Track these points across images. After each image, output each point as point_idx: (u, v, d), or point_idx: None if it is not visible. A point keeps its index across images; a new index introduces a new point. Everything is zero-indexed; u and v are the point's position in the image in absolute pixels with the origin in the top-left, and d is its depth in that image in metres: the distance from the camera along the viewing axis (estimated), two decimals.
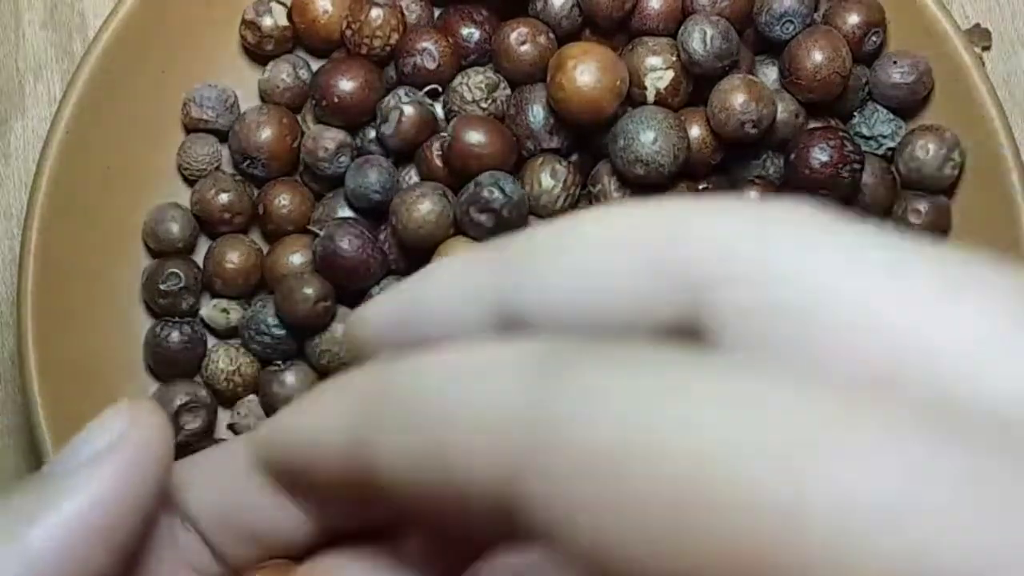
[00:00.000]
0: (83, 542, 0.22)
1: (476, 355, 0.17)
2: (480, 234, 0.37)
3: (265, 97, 0.41)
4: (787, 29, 0.38)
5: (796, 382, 0.14)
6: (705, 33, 0.37)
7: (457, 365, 0.17)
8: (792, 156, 0.38)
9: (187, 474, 0.24)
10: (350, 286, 0.38)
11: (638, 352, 0.15)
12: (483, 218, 0.37)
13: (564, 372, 0.15)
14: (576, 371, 0.15)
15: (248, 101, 0.41)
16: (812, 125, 0.39)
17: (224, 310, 0.40)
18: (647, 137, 0.37)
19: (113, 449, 0.22)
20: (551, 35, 0.39)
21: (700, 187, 0.39)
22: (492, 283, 0.19)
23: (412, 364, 0.18)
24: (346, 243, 0.37)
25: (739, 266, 0.16)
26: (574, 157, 0.40)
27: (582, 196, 0.40)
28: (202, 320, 0.40)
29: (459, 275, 0.19)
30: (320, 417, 0.20)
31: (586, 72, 0.37)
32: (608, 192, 0.38)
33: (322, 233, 0.38)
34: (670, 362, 0.15)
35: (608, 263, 0.17)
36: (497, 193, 0.37)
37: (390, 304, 0.20)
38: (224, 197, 0.40)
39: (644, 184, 0.38)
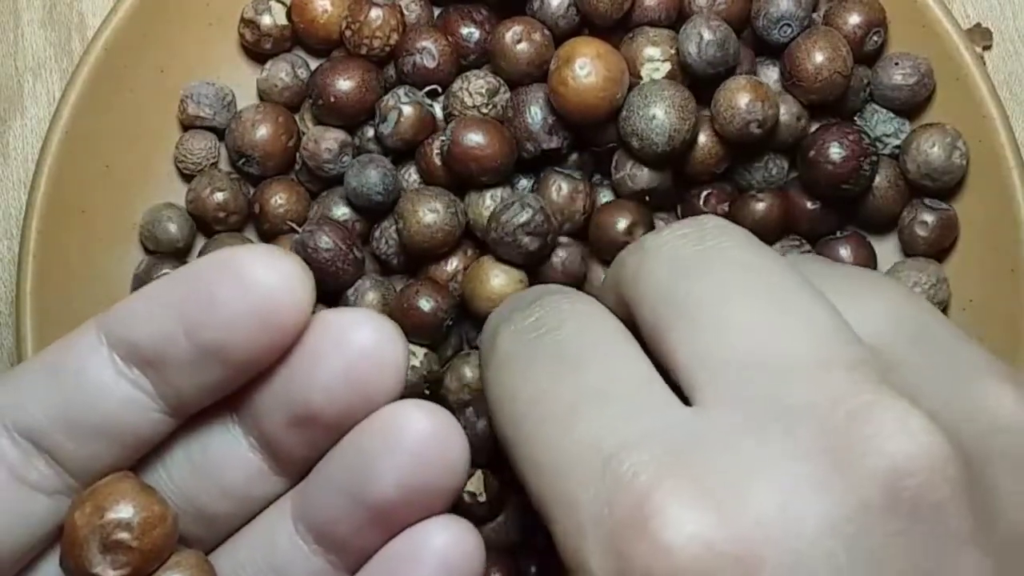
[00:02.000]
0: None
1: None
2: (521, 258, 0.37)
3: (263, 96, 0.41)
4: (784, 32, 0.38)
5: None
6: (702, 38, 0.37)
7: None
8: (811, 153, 0.38)
9: (20, 381, 0.25)
10: (324, 287, 0.38)
11: None
12: (527, 240, 0.37)
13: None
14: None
15: (247, 100, 0.41)
16: (816, 125, 0.39)
17: None
18: (649, 112, 0.37)
19: None
20: (546, 32, 0.39)
21: (704, 192, 0.39)
22: None
23: None
24: (322, 243, 0.37)
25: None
26: (574, 156, 0.40)
27: (601, 186, 0.40)
28: None
29: None
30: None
31: (592, 75, 0.37)
32: (633, 176, 0.38)
33: (301, 231, 0.38)
34: None
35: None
36: (540, 216, 0.37)
37: None
38: (219, 196, 0.39)
39: (648, 160, 0.38)
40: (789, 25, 0.38)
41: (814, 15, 0.39)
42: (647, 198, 0.39)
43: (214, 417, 0.26)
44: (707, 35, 0.37)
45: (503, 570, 0.37)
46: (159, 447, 0.26)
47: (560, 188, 0.39)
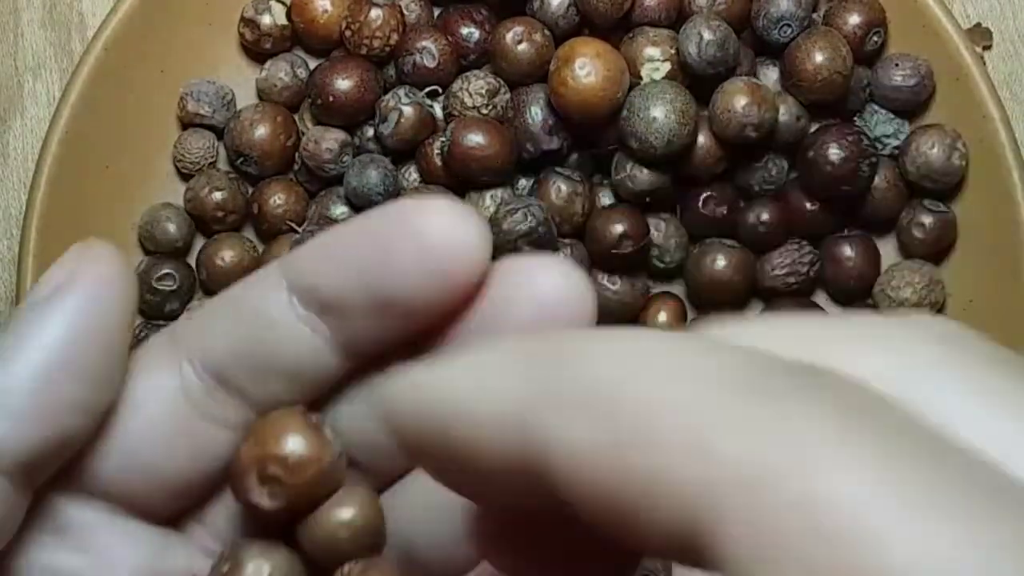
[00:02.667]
0: (49, 377, 0.23)
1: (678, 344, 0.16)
2: None
3: (263, 96, 0.41)
4: (784, 33, 0.38)
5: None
6: (701, 38, 0.37)
7: (653, 351, 0.16)
8: (809, 154, 0.38)
9: (205, 318, 0.25)
10: None
11: None
12: (528, 249, 0.37)
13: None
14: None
15: (246, 100, 0.41)
16: (816, 126, 0.39)
17: None
18: (648, 113, 0.37)
19: (68, 285, 0.24)
20: (547, 32, 0.39)
21: (704, 194, 0.39)
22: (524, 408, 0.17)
23: (591, 344, 0.17)
24: None
25: None
26: (574, 157, 0.40)
27: (601, 187, 0.40)
28: None
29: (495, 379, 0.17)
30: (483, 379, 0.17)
31: (592, 74, 0.37)
32: (633, 177, 0.38)
33: (301, 231, 0.38)
34: None
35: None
36: (543, 228, 0.37)
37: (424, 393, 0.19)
38: (218, 195, 0.40)
39: (646, 162, 0.38)
40: (789, 25, 0.38)
41: (814, 15, 0.39)
42: (647, 199, 0.39)
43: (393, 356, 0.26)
44: (707, 35, 0.37)
45: None
46: (342, 383, 0.26)
47: (560, 189, 0.39)
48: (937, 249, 0.39)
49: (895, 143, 0.39)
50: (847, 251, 0.39)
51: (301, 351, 0.25)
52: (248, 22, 0.41)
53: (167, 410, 0.25)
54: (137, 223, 0.40)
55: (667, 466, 0.15)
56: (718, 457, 0.14)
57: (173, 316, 0.40)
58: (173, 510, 0.27)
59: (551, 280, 0.24)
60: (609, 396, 0.16)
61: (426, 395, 0.18)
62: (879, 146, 0.39)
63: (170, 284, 0.39)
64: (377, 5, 0.39)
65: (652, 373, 0.16)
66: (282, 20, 0.41)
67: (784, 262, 0.40)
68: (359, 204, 0.39)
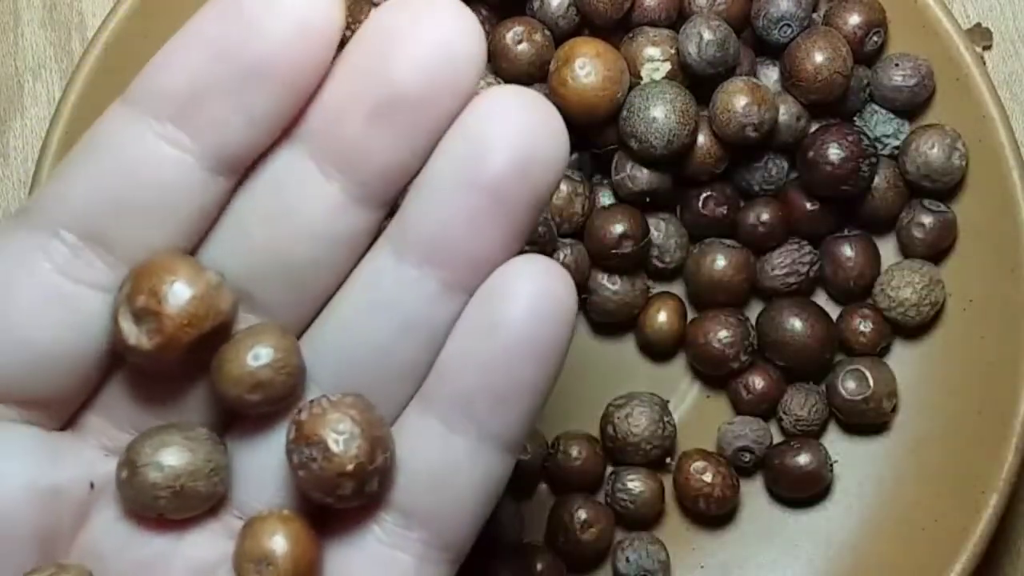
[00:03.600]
0: None
1: None
2: None
3: None
4: (784, 33, 0.38)
5: None
6: (702, 38, 0.37)
7: None
8: (809, 154, 0.38)
9: (58, 182, 0.24)
10: None
11: None
12: (527, 249, 0.37)
13: None
14: None
15: None
16: (816, 126, 0.39)
17: None
18: (648, 113, 0.37)
19: None
20: (547, 32, 0.39)
21: (704, 194, 0.39)
22: None
23: None
24: None
25: None
26: (574, 157, 0.40)
27: (601, 186, 0.40)
28: None
29: None
30: None
31: (592, 74, 0.37)
32: (633, 177, 0.39)
33: None
34: None
35: None
36: (542, 227, 0.37)
37: None
38: None
39: (646, 162, 0.38)
40: (789, 25, 0.38)
41: (814, 15, 0.39)
42: (647, 199, 0.39)
43: (279, 155, 0.25)
44: (707, 35, 0.37)
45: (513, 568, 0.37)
46: (229, 209, 0.25)
47: (559, 189, 0.39)
48: (937, 249, 0.39)
49: (895, 143, 0.39)
50: (847, 251, 0.39)
51: (168, 174, 0.24)
52: None
53: (34, 285, 0.24)
54: None
55: None
56: None
57: None
58: (68, 401, 0.25)
59: (442, 19, 0.23)
60: None
61: None
62: (879, 146, 0.39)
63: None
64: (377, 5, 0.39)
65: None
66: None
67: (784, 262, 0.40)
68: None
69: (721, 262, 0.39)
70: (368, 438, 0.23)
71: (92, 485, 0.25)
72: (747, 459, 0.39)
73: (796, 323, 0.38)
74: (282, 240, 0.24)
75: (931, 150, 0.38)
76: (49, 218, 0.24)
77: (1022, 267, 0.37)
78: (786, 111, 0.39)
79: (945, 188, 0.39)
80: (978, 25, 0.42)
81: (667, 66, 0.38)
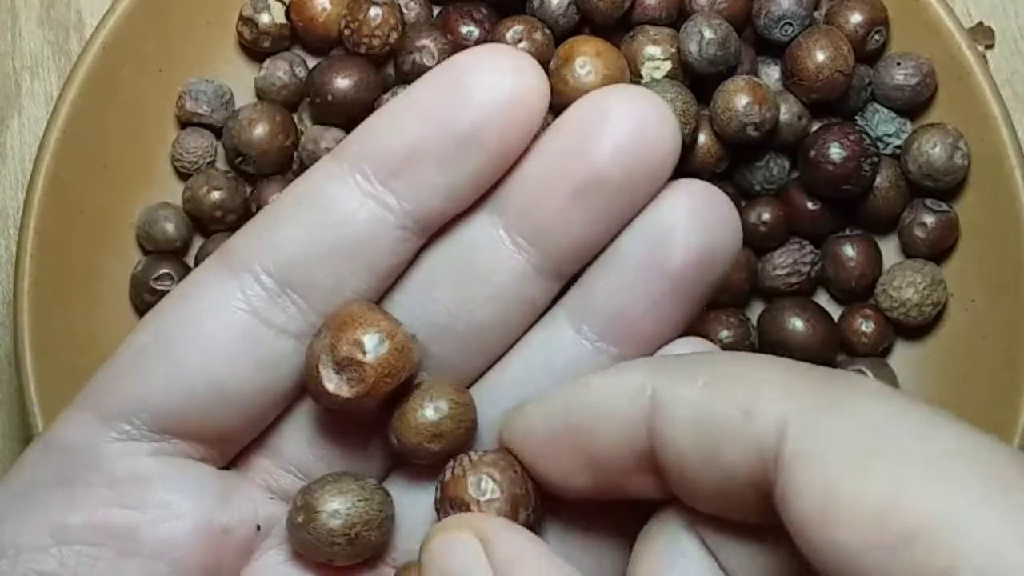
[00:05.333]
0: None
1: None
2: None
3: (261, 95, 0.41)
4: (786, 31, 0.38)
5: None
6: (702, 37, 0.37)
7: None
8: (811, 153, 0.38)
9: (263, 224, 0.26)
10: None
11: None
12: None
13: None
14: None
15: (245, 99, 0.41)
16: (818, 125, 0.39)
17: None
18: None
19: None
20: (547, 31, 0.39)
21: None
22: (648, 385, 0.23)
23: None
24: None
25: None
26: None
27: None
28: None
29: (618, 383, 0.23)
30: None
31: (593, 73, 0.37)
32: None
33: None
34: None
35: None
36: None
37: (551, 408, 0.24)
38: (216, 195, 0.39)
39: None
40: (790, 24, 0.38)
41: (815, 14, 0.39)
42: None
43: (472, 222, 0.26)
44: (708, 34, 0.37)
45: None
46: (415, 266, 0.26)
47: None
48: (939, 249, 0.39)
49: (897, 142, 0.39)
50: (848, 251, 0.39)
51: (370, 229, 0.25)
52: (247, 21, 0.40)
53: (228, 323, 0.25)
54: (135, 223, 0.40)
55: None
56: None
57: None
58: (239, 440, 0.26)
59: (640, 106, 0.25)
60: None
61: (563, 405, 0.24)
62: (881, 145, 0.39)
63: (168, 284, 0.39)
64: (376, 4, 0.39)
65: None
66: (281, 19, 0.40)
67: (785, 262, 0.39)
68: None
69: None
70: (509, 498, 0.24)
71: (259, 527, 0.26)
72: None
73: (797, 323, 0.38)
74: (466, 301, 0.26)
75: (933, 149, 0.38)
76: (251, 261, 0.25)
77: None
78: (787, 110, 0.39)
79: (947, 188, 0.39)
80: (980, 24, 0.42)
81: (668, 65, 0.38)
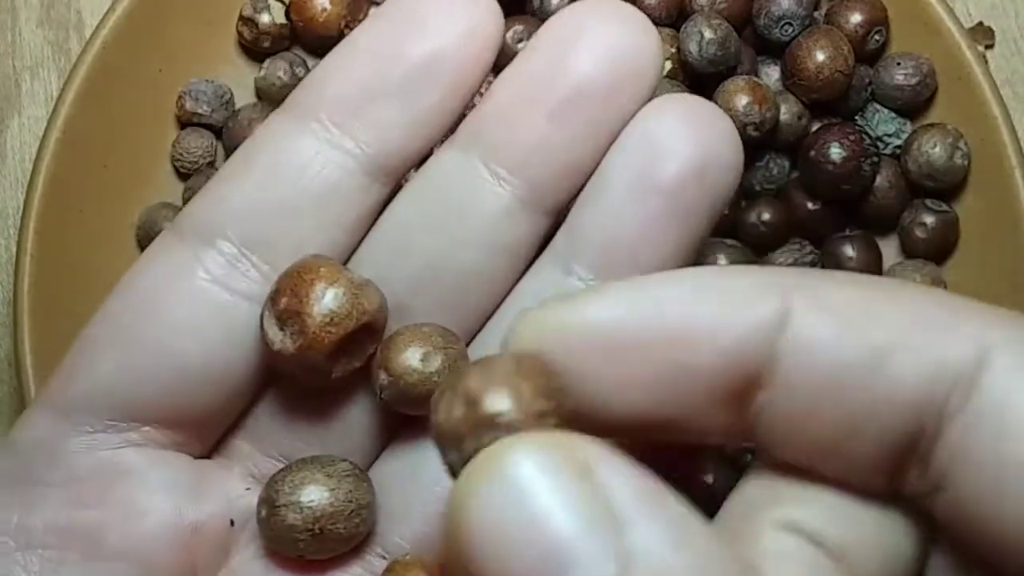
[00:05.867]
0: None
1: None
2: None
3: (261, 95, 0.41)
4: (786, 31, 0.38)
5: None
6: (702, 37, 0.37)
7: None
8: (811, 154, 0.38)
9: (216, 190, 0.24)
10: None
11: None
12: None
13: None
14: None
15: (245, 99, 0.41)
16: (818, 125, 0.39)
17: None
18: None
19: None
20: None
21: None
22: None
23: None
24: None
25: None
26: None
27: None
28: None
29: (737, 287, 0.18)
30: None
31: None
32: None
33: None
34: None
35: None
36: None
37: (613, 303, 0.18)
38: None
39: None
40: (790, 24, 0.38)
41: (816, 14, 0.39)
42: None
43: (444, 160, 0.24)
44: (708, 34, 0.37)
45: None
46: (385, 217, 0.24)
47: None
48: (939, 249, 0.39)
49: (897, 142, 0.39)
50: (848, 251, 0.39)
51: (331, 181, 0.23)
52: (247, 21, 0.40)
53: (187, 294, 0.23)
54: (135, 223, 0.40)
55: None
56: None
57: None
58: (215, 423, 0.24)
59: (607, 24, 0.23)
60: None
61: (635, 302, 0.18)
62: (881, 145, 0.39)
63: None
64: (376, 3, 0.39)
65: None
66: (281, 19, 0.40)
67: (785, 262, 0.39)
68: None
69: (723, 262, 0.39)
70: (532, 416, 0.21)
71: (232, 522, 0.24)
72: (748, 459, 0.39)
73: None
74: (447, 247, 0.24)
75: (933, 149, 0.38)
76: (206, 228, 0.23)
77: None
78: (787, 110, 0.39)
79: (947, 188, 0.39)
80: (980, 24, 0.42)
81: (668, 65, 0.38)
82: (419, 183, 0.24)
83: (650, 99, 0.24)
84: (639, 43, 0.23)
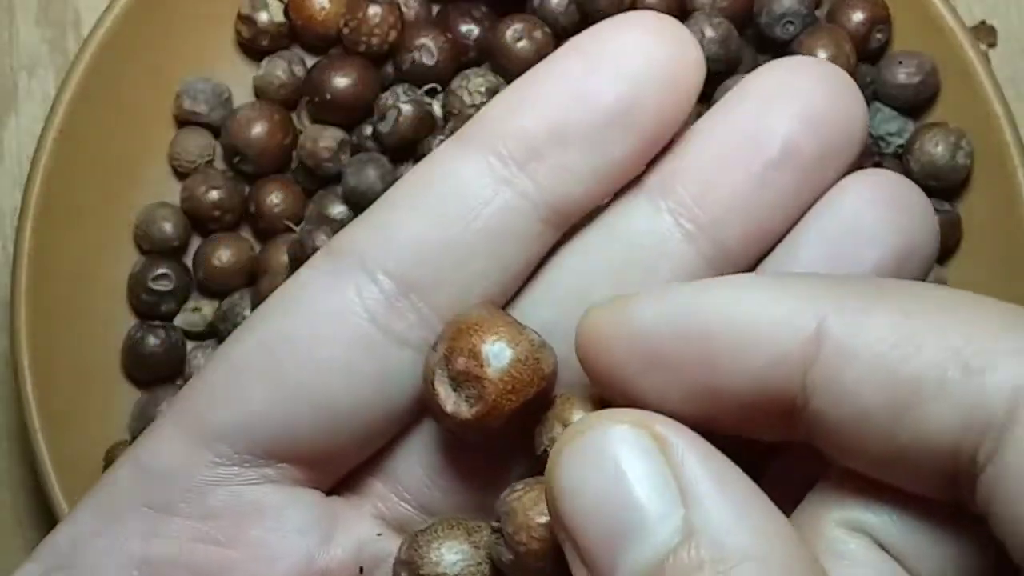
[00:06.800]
0: None
1: None
2: None
3: (260, 94, 0.40)
4: (787, 30, 0.38)
5: None
6: (703, 35, 0.37)
7: None
8: None
9: (380, 218, 0.22)
10: None
11: None
12: None
13: None
14: None
15: (243, 98, 0.41)
16: None
17: (196, 308, 0.39)
18: None
19: None
20: (547, 30, 0.39)
21: None
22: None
23: None
24: (320, 243, 0.37)
25: None
26: None
27: None
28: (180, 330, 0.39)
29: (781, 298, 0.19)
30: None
31: None
32: None
33: (298, 231, 0.38)
34: None
35: None
36: None
37: (668, 308, 0.19)
38: (214, 194, 0.39)
39: None
40: (792, 22, 0.38)
41: (817, 12, 0.39)
42: None
43: (629, 209, 0.22)
44: (709, 32, 0.37)
45: None
46: (553, 262, 0.22)
47: None
48: (942, 248, 0.39)
49: (899, 141, 0.39)
50: None
51: (504, 223, 0.22)
52: (245, 19, 0.40)
53: (342, 333, 0.22)
54: (133, 222, 0.40)
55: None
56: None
57: (169, 317, 0.39)
58: (351, 462, 0.23)
59: (819, 81, 0.22)
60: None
61: (689, 308, 0.19)
62: (883, 144, 0.39)
63: (166, 284, 0.39)
64: (376, 2, 0.39)
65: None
66: (279, 17, 0.40)
67: None
68: (357, 203, 0.38)
69: None
70: None
71: (361, 571, 0.23)
72: None
73: None
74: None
75: (935, 148, 0.38)
76: (367, 258, 0.22)
77: None
78: None
79: (950, 187, 0.39)
80: (983, 23, 0.42)
81: None
82: (601, 232, 0.23)
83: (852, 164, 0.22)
84: (848, 108, 0.22)
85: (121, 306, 0.39)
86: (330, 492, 0.24)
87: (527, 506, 0.20)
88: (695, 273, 0.22)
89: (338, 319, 0.22)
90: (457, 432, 0.21)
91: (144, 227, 0.39)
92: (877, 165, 0.38)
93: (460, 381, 0.21)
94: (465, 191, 0.22)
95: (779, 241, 0.22)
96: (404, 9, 0.40)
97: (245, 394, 0.22)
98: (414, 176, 0.22)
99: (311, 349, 0.22)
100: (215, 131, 0.40)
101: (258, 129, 0.39)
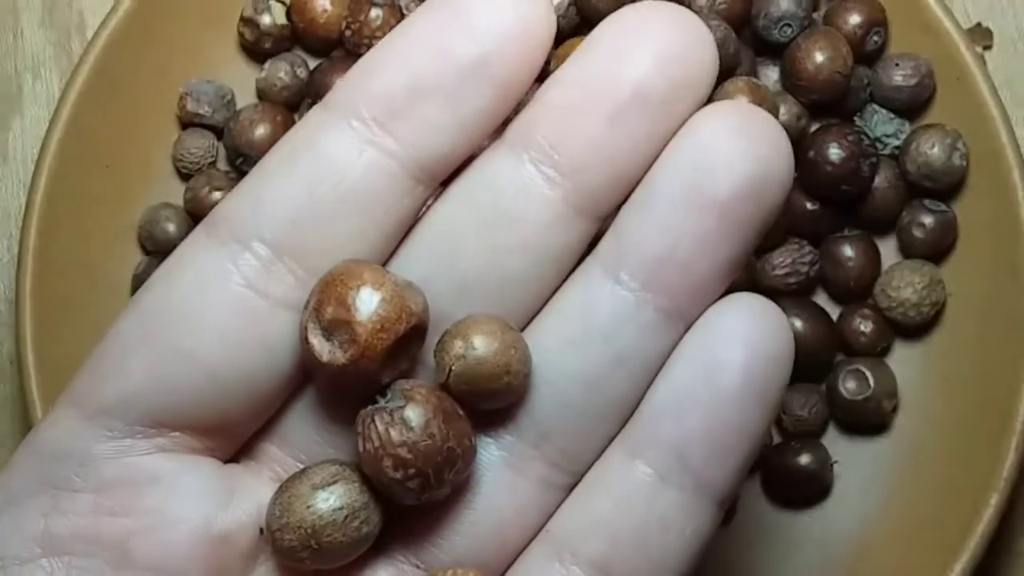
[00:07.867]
0: None
1: None
2: None
3: (262, 96, 0.41)
4: (785, 32, 0.38)
5: None
6: None
7: None
8: (810, 154, 0.38)
9: (250, 191, 0.23)
10: None
11: None
12: None
13: None
14: None
15: (246, 100, 0.41)
16: (816, 125, 0.39)
17: None
18: None
19: None
20: None
21: None
22: None
23: None
24: None
25: None
26: None
27: None
28: None
29: None
30: None
31: None
32: None
33: None
34: None
35: None
36: None
37: None
38: (217, 195, 0.39)
39: None
40: (789, 25, 0.38)
41: (814, 15, 0.39)
42: None
43: (492, 161, 0.23)
44: None
45: None
46: (427, 218, 0.23)
47: None
48: (937, 249, 0.39)
49: (895, 143, 0.39)
50: (847, 251, 0.39)
51: (371, 179, 0.22)
52: (248, 22, 0.41)
53: (221, 300, 0.22)
54: (137, 223, 0.40)
55: None
56: None
57: None
58: (244, 428, 0.23)
59: (667, 27, 0.23)
60: None
61: None
62: (879, 146, 0.39)
63: None
64: (377, 5, 0.39)
65: None
66: (282, 20, 0.41)
67: (784, 262, 0.39)
68: None
69: None
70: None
71: (261, 531, 0.23)
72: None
73: (796, 323, 0.38)
74: (495, 251, 0.23)
75: (931, 150, 0.38)
76: (242, 229, 0.22)
77: (1022, 267, 0.37)
78: (786, 111, 0.39)
79: (946, 188, 0.39)
80: (979, 25, 0.42)
81: None
82: (466, 186, 0.24)
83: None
84: (698, 49, 0.23)
85: (125, 306, 0.39)
86: (231, 460, 0.24)
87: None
88: (562, 219, 0.23)
89: (216, 287, 0.22)
90: (338, 383, 0.22)
91: (148, 228, 0.40)
92: (872, 167, 0.38)
93: (332, 330, 0.22)
94: (329, 155, 0.22)
95: (639, 182, 0.23)
96: (405, 12, 0.40)
97: (127, 368, 0.23)
98: (283, 145, 0.23)
99: (191, 319, 0.22)
100: (218, 132, 0.41)
101: (261, 130, 0.39)
